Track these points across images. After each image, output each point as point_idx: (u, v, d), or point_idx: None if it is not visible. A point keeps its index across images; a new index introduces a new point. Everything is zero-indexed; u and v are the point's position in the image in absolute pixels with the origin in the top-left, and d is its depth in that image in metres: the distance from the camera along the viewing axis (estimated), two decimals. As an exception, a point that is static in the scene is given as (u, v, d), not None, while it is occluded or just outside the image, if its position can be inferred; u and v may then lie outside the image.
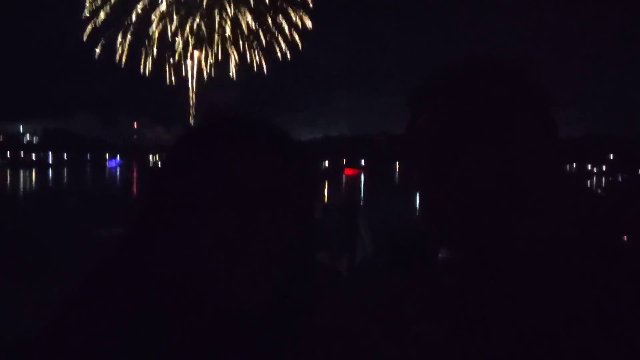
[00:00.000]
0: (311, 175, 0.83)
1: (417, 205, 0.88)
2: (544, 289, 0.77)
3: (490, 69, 0.83)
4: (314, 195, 0.83)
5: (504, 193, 0.77)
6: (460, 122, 0.79)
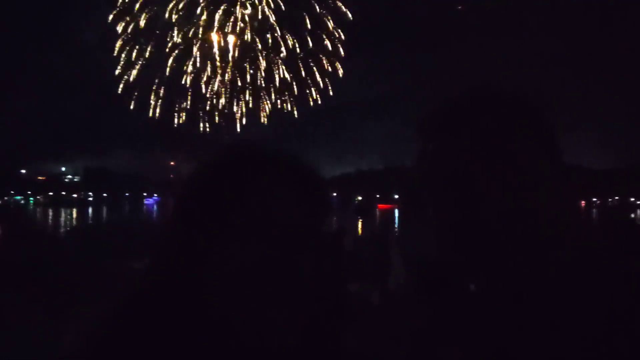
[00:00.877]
0: (329, 208, 0.85)
1: (435, 233, 0.90)
2: (571, 319, 0.75)
3: (497, 99, 0.84)
4: (328, 225, 0.84)
5: (518, 223, 0.77)
6: (468, 151, 0.80)
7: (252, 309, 0.73)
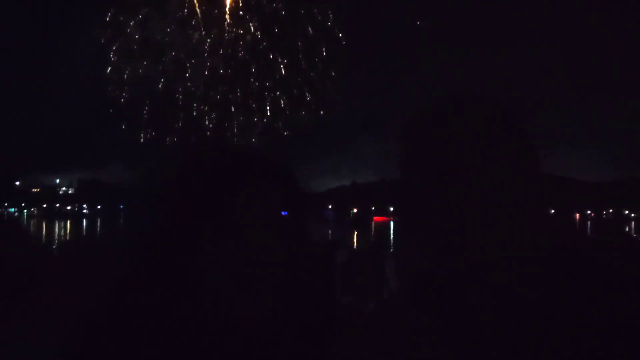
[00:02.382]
0: (302, 202, 0.86)
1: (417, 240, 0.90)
2: (564, 330, 0.74)
3: (472, 107, 0.85)
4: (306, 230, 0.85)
5: (485, 224, 0.78)
6: (440, 154, 0.81)
7: (236, 304, 0.74)
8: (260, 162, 0.82)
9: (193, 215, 0.76)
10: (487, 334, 0.81)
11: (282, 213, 0.81)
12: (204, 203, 0.76)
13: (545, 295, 0.76)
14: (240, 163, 0.80)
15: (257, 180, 0.80)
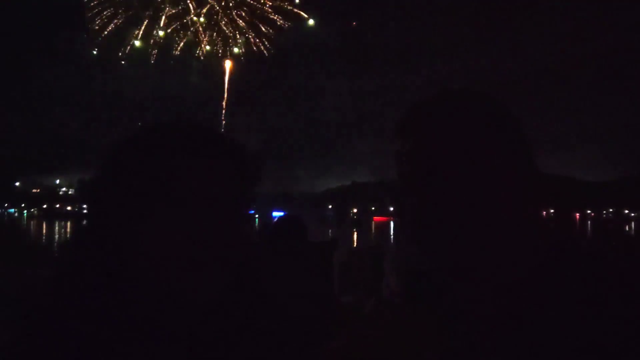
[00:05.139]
0: (255, 176, 0.84)
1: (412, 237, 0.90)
2: (560, 329, 0.74)
3: (466, 102, 0.85)
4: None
5: (480, 222, 0.76)
6: (433, 149, 0.80)
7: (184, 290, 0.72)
8: (209, 138, 0.80)
9: (138, 193, 0.74)
10: (482, 333, 0.81)
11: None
12: (150, 181, 0.74)
13: (542, 294, 0.76)
14: (188, 140, 0.78)
15: (203, 157, 0.77)
